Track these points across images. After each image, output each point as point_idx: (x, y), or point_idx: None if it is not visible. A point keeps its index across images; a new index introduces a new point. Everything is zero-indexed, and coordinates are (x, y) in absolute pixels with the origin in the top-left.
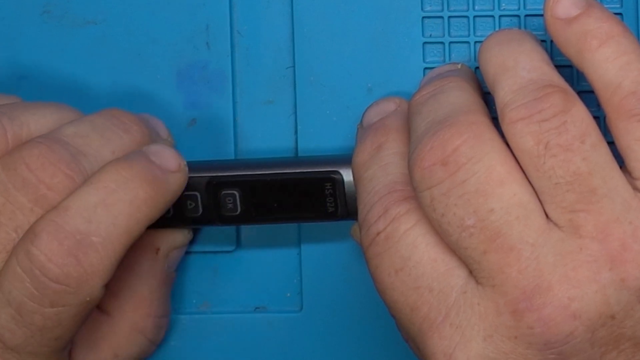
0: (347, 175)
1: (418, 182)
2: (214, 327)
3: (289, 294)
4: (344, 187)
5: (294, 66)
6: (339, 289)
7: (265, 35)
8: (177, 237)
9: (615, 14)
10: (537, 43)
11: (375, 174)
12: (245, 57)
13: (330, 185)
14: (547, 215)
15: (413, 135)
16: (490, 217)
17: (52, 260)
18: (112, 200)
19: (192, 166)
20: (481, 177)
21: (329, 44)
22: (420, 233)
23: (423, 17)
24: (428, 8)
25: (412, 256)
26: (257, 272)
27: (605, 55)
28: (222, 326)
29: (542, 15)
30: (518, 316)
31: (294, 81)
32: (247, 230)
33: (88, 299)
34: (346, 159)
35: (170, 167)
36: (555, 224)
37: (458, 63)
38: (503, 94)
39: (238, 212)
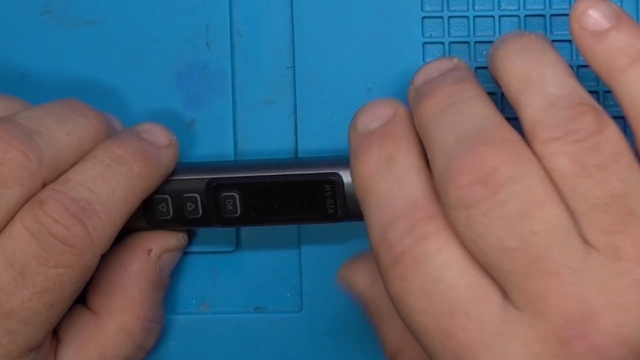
0: (347, 177)
1: (453, 201)
2: (214, 327)
3: (289, 294)
4: (343, 189)
5: (294, 66)
6: (339, 289)
7: (265, 35)
8: (170, 240)
9: None
10: (558, 53)
11: (391, 189)
12: (245, 57)
13: (330, 187)
14: (584, 239)
15: (439, 149)
16: (533, 239)
17: (59, 222)
18: (109, 173)
19: (192, 168)
20: (523, 198)
21: (329, 44)
22: (451, 254)
23: (423, 17)
24: (428, 8)
25: (444, 278)
26: (257, 272)
27: (637, 76)
28: (222, 326)
29: (542, 15)
30: (566, 345)
31: (294, 81)
32: (247, 230)
33: (89, 264)
34: (346, 161)
35: (161, 142)
36: (593, 247)
37: (454, 57)
38: (532, 112)
39: (238, 214)
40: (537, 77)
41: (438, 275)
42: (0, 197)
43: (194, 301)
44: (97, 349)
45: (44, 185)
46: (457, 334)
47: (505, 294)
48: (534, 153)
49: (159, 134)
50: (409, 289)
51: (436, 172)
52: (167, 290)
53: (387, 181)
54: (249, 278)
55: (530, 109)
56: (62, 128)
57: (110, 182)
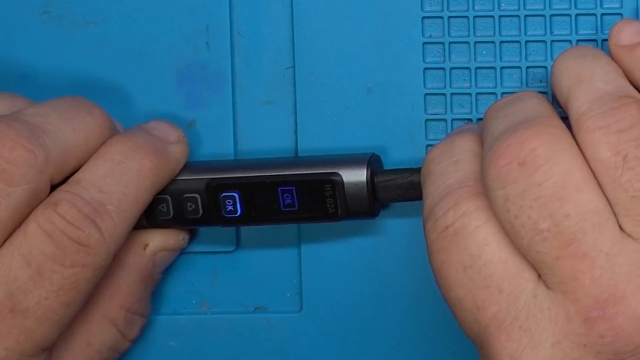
0: (346, 176)
1: (492, 180)
2: (214, 327)
3: (288, 294)
4: (343, 188)
5: (294, 66)
6: (338, 289)
7: (265, 35)
8: (169, 239)
9: (615, 14)
10: (609, 58)
11: (447, 169)
12: (245, 57)
13: (329, 187)
14: (620, 227)
15: (489, 137)
16: (566, 222)
17: (73, 224)
18: (120, 171)
19: (192, 168)
20: (558, 180)
21: (329, 44)
22: (490, 231)
23: (423, 17)
24: (428, 8)
25: (482, 254)
26: (257, 272)
27: None
28: (222, 326)
29: (542, 15)
30: (589, 324)
31: (294, 81)
32: (247, 230)
33: (103, 263)
34: (345, 160)
35: (170, 139)
36: (630, 236)
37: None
38: (579, 104)
39: (238, 214)
40: (587, 74)
41: (477, 250)
42: (8, 196)
43: (194, 301)
44: (84, 336)
45: (51, 182)
46: (489, 307)
47: (539, 276)
48: (578, 144)
49: (167, 131)
50: (449, 262)
51: (483, 158)
52: (167, 290)
53: (445, 163)
54: (249, 278)
55: (577, 101)
56: (69, 125)
57: (122, 180)
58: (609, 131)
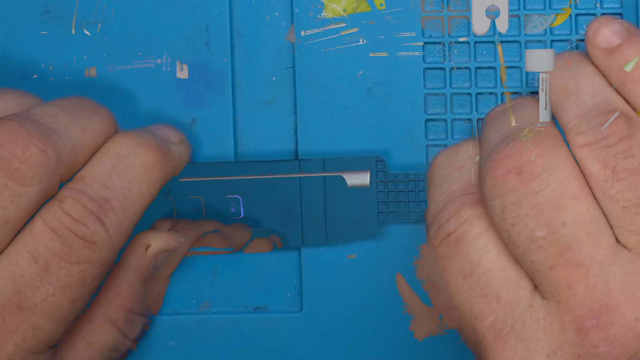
0: (349, 179)
1: (489, 189)
2: (214, 327)
3: (289, 295)
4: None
5: (294, 66)
6: (338, 289)
7: (265, 35)
8: (171, 241)
9: (615, 14)
10: (594, 66)
11: (451, 174)
12: (245, 57)
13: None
14: (616, 239)
15: (486, 146)
16: (562, 230)
17: (79, 221)
18: (124, 166)
19: (196, 170)
20: (556, 189)
21: (329, 44)
22: (491, 239)
23: (423, 17)
24: (428, 8)
25: (482, 262)
26: (257, 272)
27: None
28: (222, 326)
29: (541, 15)
30: (583, 334)
31: (294, 81)
32: None
33: (109, 259)
34: (348, 163)
35: (171, 139)
36: (624, 246)
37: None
38: (567, 119)
39: (242, 216)
40: (573, 87)
41: (477, 257)
42: (20, 195)
43: (194, 301)
44: (85, 338)
45: (60, 181)
46: (487, 316)
47: (535, 286)
48: None
49: (169, 132)
50: (450, 269)
51: (480, 167)
52: (167, 290)
53: (449, 168)
54: (249, 278)
55: (565, 116)
56: (78, 125)
57: (125, 176)
58: (597, 147)
